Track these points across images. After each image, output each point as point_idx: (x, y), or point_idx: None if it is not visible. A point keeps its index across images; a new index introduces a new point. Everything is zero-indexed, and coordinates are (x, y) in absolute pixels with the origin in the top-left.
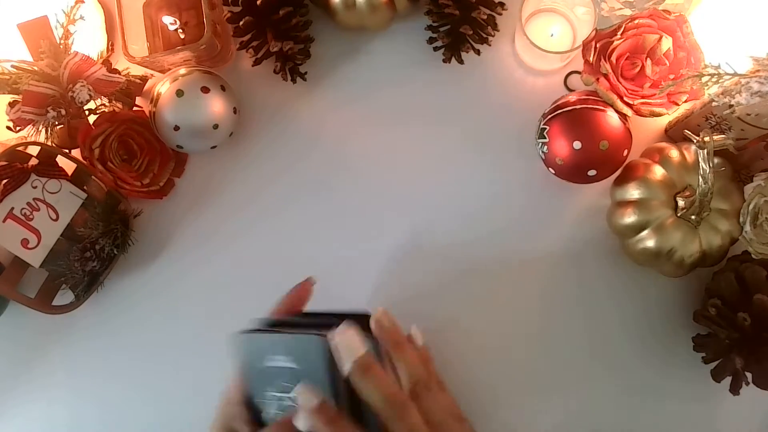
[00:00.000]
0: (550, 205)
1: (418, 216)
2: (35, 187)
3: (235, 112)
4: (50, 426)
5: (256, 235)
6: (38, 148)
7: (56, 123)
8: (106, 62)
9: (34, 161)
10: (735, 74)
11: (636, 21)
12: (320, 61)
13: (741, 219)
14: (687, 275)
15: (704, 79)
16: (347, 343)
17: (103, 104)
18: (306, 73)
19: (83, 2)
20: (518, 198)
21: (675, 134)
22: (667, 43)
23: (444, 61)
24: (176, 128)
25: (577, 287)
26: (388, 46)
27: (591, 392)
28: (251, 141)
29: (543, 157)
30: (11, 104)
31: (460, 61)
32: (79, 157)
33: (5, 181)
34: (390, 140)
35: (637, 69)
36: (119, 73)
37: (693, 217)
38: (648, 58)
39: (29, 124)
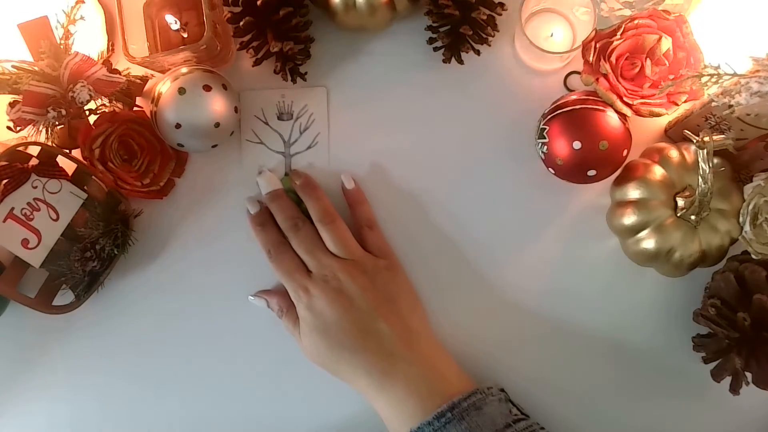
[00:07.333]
0: (550, 205)
1: (417, 215)
2: (35, 187)
3: (236, 111)
4: (51, 425)
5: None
6: (38, 148)
7: (56, 123)
8: (107, 62)
9: (34, 161)
10: (735, 74)
11: (636, 21)
12: (320, 61)
13: (741, 219)
14: (687, 275)
15: (704, 79)
16: (267, 180)
17: (104, 104)
18: (306, 73)
19: (83, 2)
20: (518, 198)
21: (675, 134)
22: (666, 44)
23: (444, 61)
24: (178, 126)
25: (577, 287)
26: (388, 47)
27: (590, 391)
28: None
29: (543, 157)
30: (11, 104)
31: (460, 62)
32: (80, 157)
33: (5, 181)
34: (390, 140)
35: (637, 69)
36: (119, 73)
37: (693, 217)
38: (648, 59)
39: (29, 124)
